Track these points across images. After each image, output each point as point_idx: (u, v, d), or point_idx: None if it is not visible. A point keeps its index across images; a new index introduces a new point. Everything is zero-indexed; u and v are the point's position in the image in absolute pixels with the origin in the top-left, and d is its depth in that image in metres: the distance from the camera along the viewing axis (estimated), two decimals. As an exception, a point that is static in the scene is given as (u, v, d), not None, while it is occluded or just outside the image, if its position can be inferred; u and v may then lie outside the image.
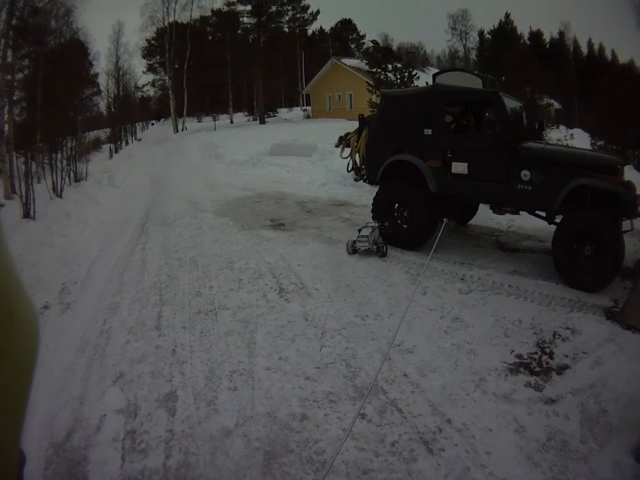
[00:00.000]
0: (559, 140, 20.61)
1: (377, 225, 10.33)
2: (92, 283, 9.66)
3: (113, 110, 51.45)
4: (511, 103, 9.78)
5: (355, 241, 10.07)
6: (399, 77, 27.74)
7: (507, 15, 36.97)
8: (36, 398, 5.58)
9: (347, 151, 16.15)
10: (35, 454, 4.76)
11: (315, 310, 7.60)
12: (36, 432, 5.12)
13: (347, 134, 19.36)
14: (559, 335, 6.63)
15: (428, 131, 10.00)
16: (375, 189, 11.40)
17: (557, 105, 36.19)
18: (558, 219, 8.82)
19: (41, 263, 10.63)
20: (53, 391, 5.93)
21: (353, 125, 18.06)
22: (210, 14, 65.18)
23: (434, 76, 11.88)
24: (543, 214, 9.13)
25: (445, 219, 9.69)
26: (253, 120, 64.22)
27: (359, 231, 10.21)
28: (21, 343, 0.89)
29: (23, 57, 26.04)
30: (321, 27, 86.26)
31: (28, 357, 0.92)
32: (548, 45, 71.35)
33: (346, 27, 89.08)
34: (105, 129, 48.20)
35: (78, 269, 10.52)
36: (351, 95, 51.52)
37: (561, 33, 74.39)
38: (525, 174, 8.78)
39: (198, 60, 63.13)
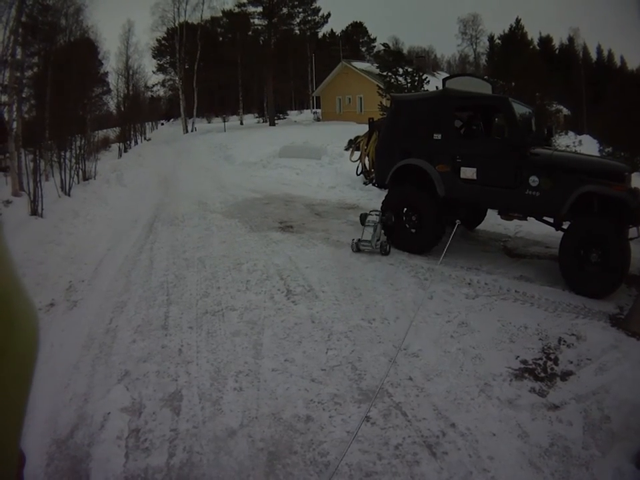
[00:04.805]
0: (567, 146, 20.62)
1: (378, 219, 10.38)
2: (99, 281, 9.69)
3: (122, 109, 51.58)
4: (520, 109, 9.79)
5: (358, 241, 10.22)
6: (409, 80, 27.70)
7: (518, 21, 36.78)
8: (40, 395, 5.63)
9: (357, 154, 16.21)
10: (38, 450, 4.79)
11: (322, 312, 7.60)
12: (39, 428, 5.15)
13: (357, 137, 19.38)
14: (564, 341, 6.63)
15: (437, 136, 10.01)
16: (384, 193, 11.39)
17: (565, 111, 36.17)
18: (565, 225, 8.83)
19: (48, 261, 10.67)
20: (58, 388, 5.96)
21: (363, 129, 18.13)
22: (221, 15, 65.35)
23: (444, 80, 11.85)
24: (551, 220, 9.13)
25: (457, 221, 9.72)
26: (263, 122, 64.29)
27: (365, 216, 10.33)
28: (20, 342, 0.90)
29: (33, 54, 26.11)
30: (331, 30, 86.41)
31: (27, 357, 0.93)
32: (557, 50, 71.25)
33: (357, 30, 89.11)
34: (114, 128, 48.34)
35: (85, 267, 10.56)
36: (361, 98, 51.49)
37: (571, 39, 74.29)
38: (533, 180, 8.78)
39: (208, 61, 63.29)
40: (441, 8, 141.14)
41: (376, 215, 10.51)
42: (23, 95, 23.61)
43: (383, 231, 10.44)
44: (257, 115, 73.75)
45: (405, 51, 62.00)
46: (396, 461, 4.52)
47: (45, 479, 4.54)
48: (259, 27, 61.36)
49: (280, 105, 71.49)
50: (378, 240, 10.09)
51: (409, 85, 27.37)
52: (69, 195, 17.81)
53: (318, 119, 59.09)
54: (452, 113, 10.20)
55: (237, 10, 61.18)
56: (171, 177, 24.44)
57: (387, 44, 33.16)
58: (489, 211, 11.83)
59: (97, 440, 4.97)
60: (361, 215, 10.65)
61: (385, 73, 28.82)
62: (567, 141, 22.08)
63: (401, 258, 10.01)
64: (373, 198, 15.53)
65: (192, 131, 60.15)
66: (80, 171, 21.21)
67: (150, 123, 73.10)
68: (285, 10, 61.15)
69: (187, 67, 63.12)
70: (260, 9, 58.94)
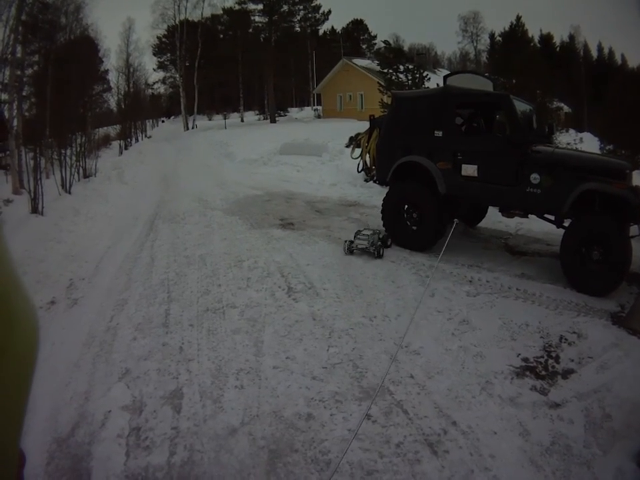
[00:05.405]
0: (568, 144, 20.59)
1: (377, 231, 10.35)
2: (100, 279, 9.69)
3: (123, 107, 51.53)
4: (520, 106, 9.77)
5: (352, 240, 10.13)
6: (410, 78, 27.68)
7: (518, 18, 36.78)
8: (41, 393, 5.64)
9: (358, 151, 16.18)
10: (38, 449, 4.79)
11: (323, 310, 7.61)
12: (40, 427, 5.15)
13: (358, 134, 19.36)
14: (565, 339, 6.63)
15: (438, 133, 9.98)
16: (385, 190, 11.39)
17: (566, 109, 36.10)
18: (566, 223, 8.82)
19: (49, 259, 10.68)
20: (58, 386, 5.97)
21: (364, 125, 18.07)
22: (221, 12, 65.27)
23: (445, 78, 11.86)
24: (552, 217, 9.11)
25: (455, 220, 9.70)
26: (264, 119, 64.21)
27: (355, 234, 10.23)
28: (20, 342, 0.89)
29: (33, 52, 26.15)
30: (332, 27, 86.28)
31: (27, 357, 0.92)
32: (558, 48, 71.16)
33: (357, 27, 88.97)
34: (114, 126, 48.37)
35: (86, 265, 10.56)
36: (362, 95, 51.37)
37: (571, 37, 74.18)
38: (534, 177, 8.77)
39: (209, 58, 63.22)
40: (441, 5, 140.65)
41: (372, 230, 10.49)
42: (24, 93, 23.69)
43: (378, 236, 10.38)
44: (257, 112, 73.65)
45: (405, 48, 61.70)
46: (397, 459, 4.52)
47: (45, 478, 4.54)
48: (260, 25, 61.23)
49: (281, 102, 71.41)
50: (373, 244, 10.00)
51: (409, 82, 27.37)
52: (70, 193, 17.82)
53: (319, 116, 58.97)
54: (453, 110, 10.17)
55: (237, 7, 61.10)
56: (172, 175, 24.39)
57: (387, 41, 33.13)
58: (490, 209, 11.82)
59: (98, 438, 4.97)
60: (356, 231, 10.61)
61: (385, 70, 28.82)
62: (567, 139, 22.03)
63: (402, 255, 10.00)
64: (374, 195, 15.50)
65: (192, 128, 60.14)
66: (80, 168, 21.25)
67: (150, 121, 72.99)
68: (285, 7, 60.87)
69: (187, 64, 63.06)
70: (260, 7, 58.81)
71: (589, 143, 21.88)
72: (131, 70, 58.41)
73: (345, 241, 10.22)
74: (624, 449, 4.60)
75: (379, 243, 10.02)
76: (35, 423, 5.12)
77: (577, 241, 8.29)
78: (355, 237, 10.21)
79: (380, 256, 9.85)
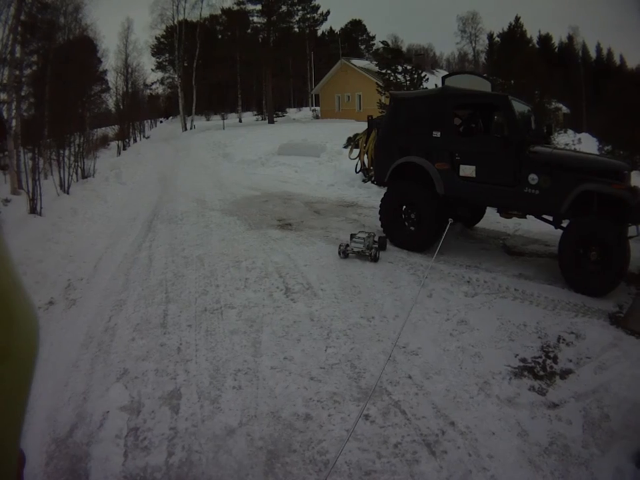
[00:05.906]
0: (566, 144, 20.61)
1: (373, 233, 10.28)
2: (98, 279, 9.68)
3: (121, 107, 51.45)
4: (519, 107, 9.76)
5: (348, 244, 10.03)
6: (408, 78, 27.72)
7: (517, 19, 36.71)
8: (40, 393, 5.64)
9: (356, 151, 16.16)
10: (37, 449, 4.78)
11: (321, 310, 7.60)
12: (38, 427, 5.15)
13: (356, 135, 19.34)
14: (563, 340, 6.63)
15: (436, 134, 9.98)
16: (383, 191, 11.38)
17: (565, 109, 36.13)
18: (564, 224, 8.81)
19: (47, 259, 10.66)
20: (57, 387, 5.97)
21: (362, 126, 18.08)
22: (220, 13, 65.32)
23: (443, 78, 11.85)
24: (550, 218, 9.11)
25: (450, 219, 9.69)
26: (262, 119, 64.16)
27: (351, 237, 10.18)
28: (20, 344, 0.89)
29: (32, 52, 26.10)
30: (330, 28, 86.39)
31: (28, 358, 0.92)
32: (557, 49, 71.22)
33: (356, 27, 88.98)
34: (113, 126, 48.33)
35: (84, 265, 10.54)
36: (360, 96, 51.47)
37: (570, 37, 74.24)
38: (533, 178, 8.77)
39: (207, 58, 63.21)
40: (440, 6, 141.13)
41: (367, 232, 10.41)
42: (22, 93, 23.60)
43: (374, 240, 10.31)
44: (255, 112, 73.62)
45: (404, 49, 61.79)
46: (395, 459, 4.53)
47: (44, 478, 4.53)
48: (258, 25, 61.20)
49: (279, 103, 71.41)
50: (369, 248, 9.95)
51: (408, 82, 27.43)
52: (68, 193, 17.77)
53: (317, 117, 59.07)
54: (451, 110, 10.16)
55: (235, 8, 61.13)
56: (170, 175, 24.34)
57: (386, 42, 33.25)
58: (488, 209, 11.82)
59: (96, 439, 4.97)
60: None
61: (384, 71, 28.88)
62: (566, 139, 22.07)
63: (400, 256, 9.99)
64: (372, 195, 15.50)
65: (191, 128, 60.01)
66: (79, 169, 21.18)
67: (149, 121, 72.95)
68: (283, 8, 60.85)
69: (185, 64, 63.00)
70: (259, 7, 58.79)
71: (587, 144, 21.92)
72: (130, 70, 58.36)
73: (340, 245, 10.17)
74: (622, 449, 4.61)
75: (375, 246, 9.99)
76: (34, 423, 5.12)
77: (575, 241, 8.29)
78: (350, 239, 10.14)
79: (376, 260, 9.81)
